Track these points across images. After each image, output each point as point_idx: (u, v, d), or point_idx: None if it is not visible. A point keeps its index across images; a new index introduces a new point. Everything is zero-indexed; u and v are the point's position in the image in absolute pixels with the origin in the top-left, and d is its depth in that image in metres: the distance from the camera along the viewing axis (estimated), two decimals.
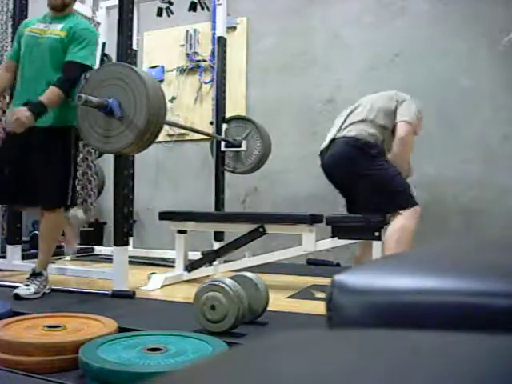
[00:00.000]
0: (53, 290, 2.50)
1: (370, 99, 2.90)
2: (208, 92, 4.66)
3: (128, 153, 2.51)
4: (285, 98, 4.32)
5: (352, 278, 0.63)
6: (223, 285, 1.72)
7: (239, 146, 3.75)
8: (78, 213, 3.16)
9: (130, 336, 1.54)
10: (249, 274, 1.99)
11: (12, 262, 3.04)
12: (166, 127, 3.15)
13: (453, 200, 3.76)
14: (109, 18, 3.96)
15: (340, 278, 0.62)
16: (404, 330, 0.47)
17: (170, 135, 4.70)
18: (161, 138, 2.94)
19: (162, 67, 4.81)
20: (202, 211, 3.25)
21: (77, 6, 3.75)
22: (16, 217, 3.10)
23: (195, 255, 3.05)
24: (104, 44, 3.89)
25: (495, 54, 3.62)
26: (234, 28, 4.49)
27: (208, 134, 3.85)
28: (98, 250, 4.10)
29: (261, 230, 2.71)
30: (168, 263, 3.41)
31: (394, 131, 2.76)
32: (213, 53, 4.43)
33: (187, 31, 4.67)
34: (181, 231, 2.92)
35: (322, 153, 2.92)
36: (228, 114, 3.88)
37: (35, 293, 2.36)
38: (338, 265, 3.70)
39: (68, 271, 2.97)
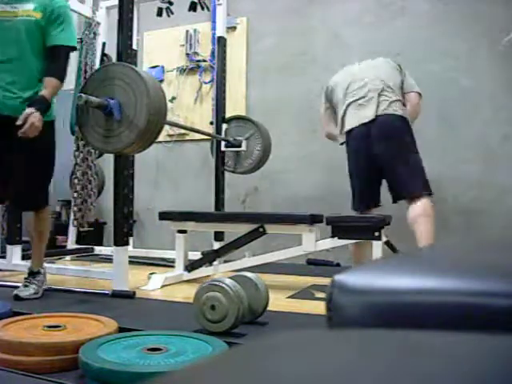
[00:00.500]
0: (53, 290, 2.50)
1: (384, 74, 2.96)
2: (208, 92, 4.66)
3: (128, 153, 2.51)
4: (285, 98, 4.32)
5: (352, 278, 0.63)
6: (223, 285, 1.72)
7: (239, 146, 3.75)
8: None
9: (130, 336, 1.54)
10: (249, 274, 1.99)
11: (12, 262, 3.04)
12: (166, 127, 3.14)
13: (453, 200, 3.75)
14: (109, 18, 3.96)
15: (340, 277, 0.62)
16: (404, 330, 0.47)
17: (170, 135, 4.70)
18: (161, 138, 2.94)
19: (162, 67, 4.81)
20: (202, 211, 3.25)
21: (77, 6, 3.77)
22: (16, 217, 3.10)
23: (195, 255, 3.05)
24: (104, 44, 3.89)
25: (495, 54, 3.62)
26: (234, 28, 4.49)
27: (208, 134, 3.85)
28: (98, 249, 4.10)
29: (261, 229, 2.71)
30: (168, 263, 3.41)
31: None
32: (213, 53, 4.43)
33: (187, 31, 4.67)
34: (181, 231, 2.92)
35: (350, 132, 2.89)
36: (228, 114, 3.88)
37: (35, 293, 2.36)
38: (338, 265, 3.70)
39: (68, 271, 2.97)
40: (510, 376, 0.29)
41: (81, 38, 3.99)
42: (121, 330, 1.64)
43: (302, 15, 4.33)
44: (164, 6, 3.81)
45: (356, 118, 2.87)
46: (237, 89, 4.42)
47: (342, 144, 3.03)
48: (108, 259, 3.42)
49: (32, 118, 2.14)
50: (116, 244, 2.55)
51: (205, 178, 4.28)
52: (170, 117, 3.73)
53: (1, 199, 2.58)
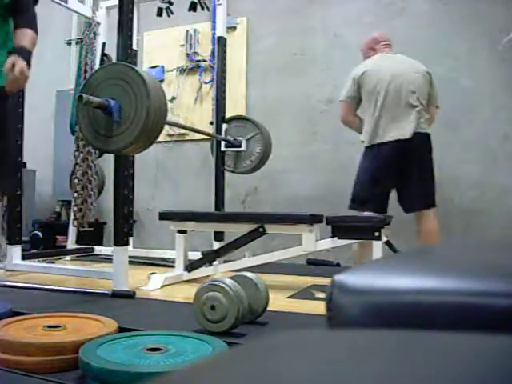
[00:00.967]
0: (53, 290, 2.50)
1: (418, 86, 3.06)
2: (208, 92, 4.66)
3: (128, 153, 2.51)
4: (285, 98, 4.32)
5: (352, 278, 0.63)
6: (223, 285, 1.72)
7: (239, 146, 3.75)
8: None
9: (130, 336, 1.54)
10: (249, 274, 1.99)
11: (12, 262, 3.04)
12: (166, 127, 3.14)
13: (453, 200, 3.76)
14: (109, 18, 3.96)
15: (340, 277, 0.62)
16: (404, 329, 0.47)
17: (170, 135, 4.70)
18: (161, 138, 2.94)
19: (162, 67, 4.81)
20: (202, 211, 3.25)
21: (77, 6, 3.77)
22: (16, 217, 3.10)
23: (195, 255, 3.05)
24: (104, 44, 3.89)
25: (495, 54, 3.62)
26: (234, 28, 4.50)
27: (208, 134, 3.85)
28: (98, 249, 4.10)
29: (261, 230, 2.71)
30: (168, 263, 3.41)
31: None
32: (213, 53, 4.43)
33: (187, 31, 4.67)
34: (181, 231, 2.92)
35: (386, 143, 2.99)
36: (228, 114, 3.88)
37: None
38: (338, 265, 3.70)
39: (68, 271, 2.97)
40: (510, 376, 0.29)
41: (81, 38, 3.99)
42: (121, 330, 1.64)
43: (302, 15, 4.33)
44: (164, 5, 3.81)
45: (394, 131, 2.96)
46: (237, 89, 4.42)
47: (362, 142, 3.11)
48: (108, 259, 3.42)
49: (20, 63, 1.88)
50: (116, 244, 2.55)
51: (205, 178, 4.28)
52: (170, 117, 3.73)
53: None
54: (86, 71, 3.75)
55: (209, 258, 2.91)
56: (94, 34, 3.85)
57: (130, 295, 2.41)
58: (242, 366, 0.33)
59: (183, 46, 4.71)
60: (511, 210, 3.57)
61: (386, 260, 0.95)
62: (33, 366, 1.38)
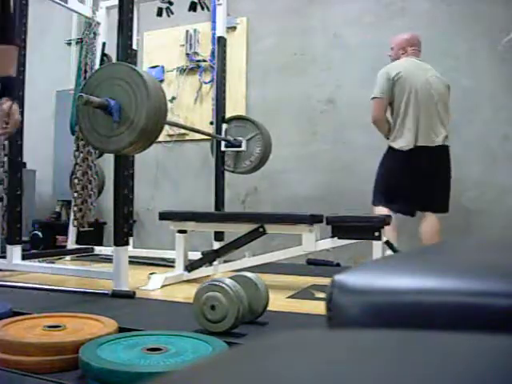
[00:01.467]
0: (52, 290, 2.50)
1: (441, 92, 3.19)
2: (208, 92, 4.66)
3: (128, 153, 2.51)
4: (285, 98, 4.32)
5: (352, 278, 0.63)
6: (223, 285, 1.72)
7: (239, 146, 3.75)
8: None
9: (130, 336, 1.54)
10: (249, 274, 1.99)
11: (12, 262, 3.04)
12: (166, 127, 3.14)
13: (453, 200, 3.75)
14: (109, 18, 3.96)
15: (340, 277, 0.62)
16: (404, 329, 0.47)
17: (170, 135, 4.70)
18: (161, 138, 2.94)
19: (162, 67, 4.81)
20: (202, 211, 3.25)
21: (77, 6, 3.77)
22: (16, 217, 3.10)
23: (195, 255, 3.05)
24: (104, 44, 3.89)
25: (495, 54, 3.62)
26: (234, 28, 4.50)
27: (208, 134, 3.85)
28: (98, 249, 4.10)
29: (261, 230, 2.71)
30: (168, 263, 3.41)
31: None
32: (213, 53, 4.43)
33: (187, 31, 4.67)
34: (181, 231, 2.92)
35: (412, 149, 3.11)
36: (228, 114, 3.87)
37: None
38: (338, 265, 3.70)
39: (68, 271, 2.97)
40: (510, 376, 0.29)
41: (81, 38, 3.99)
42: (121, 330, 1.64)
43: (302, 15, 4.33)
44: (164, 5, 3.81)
45: (428, 138, 3.10)
46: (237, 89, 4.42)
47: (387, 139, 3.23)
48: (108, 259, 3.42)
49: (15, 112, 1.78)
50: (116, 244, 2.55)
51: (205, 178, 4.28)
52: (170, 117, 3.73)
53: None
54: (85, 71, 3.75)
55: (209, 257, 2.91)
56: (94, 33, 3.85)
57: (129, 295, 2.41)
58: (242, 366, 0.33)
59: (183, 46, 4.71)
60: (511, 210, 3.57)
61: (386, 260, 0.95)
62: (33, 366, 1.38)
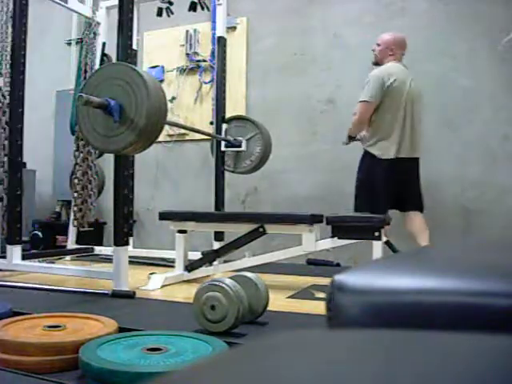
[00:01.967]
0: (53, 290, 2.50)
1: (420, 102, 3.28)
2: (208, 92, 4.66)
3: (129, 153, 2.51)
4: (285, 98, 4.32)
5: (352, 278, 0.63)
6: (223, 285, 1.72)
7: (239, 146, 3.75)
8: None
9: (130, 336, 1.54)
10: (249, 274, 1.99)
11: (12, 262, 3.04)
12: (166, 127, 3.14)
13: (453, 200, 3.76)
14: (109, 18, 3.96)
15: (340, 277, 0.62)
16: (404, 329, 0.47)
17: (170, 135, 4.70)
18: (161, 138, 2.94)
19: (162, 67, 4.81)
20: (202, 211, 3.25)
21: (77, 6, 3.77)
22: (16, 217, 3.10)
23: (195, 255, 3.05)
24: (104, 44, 3.89)
25: (495, 54, 3.62)
26: (234, 28, 4.50)
27: (208, 134, 3.85)
28: (98, 249, 4.10)
29: (261, 230, 2.71)
30: (168, 263, 3.41)
31: None
32: (213, 53, 4.43)
33: (187, 31, 4.67)
34: (181, 231, 2.92)
35: (397, 158, 3.20)
36: (228, 114, 3.87)
37: None
38: (338, 265, 3.70)
39: (68, 271, 2.97)
40: (510, 376, 0.29)
41: (81, 38, 3.99)
42: (121, 330, 1.64)
43: (302, 15, 4.33)
44: (164, 5, 3.81)
45: (410, 150, 3.20)
46: (237, 89, 4.42)
47: (357, 141, 3.37)
48: (108, 259, 3.42)
49: None
50: (116, 244, 2.55)
51: (205, 177, 4.28)
52: (170, 117, 3.73)
53: None
54: (85, 71, 3.75)
55: (209, 257, 2.91)
56: (94, 33, 3.85)
57: (130, 295, 2.41)
58: (242, 366, 0.33)
59: (183, 46, 4.71)
60: (511, 210, 3.57)
61: (386, 260, 0.95)
62: (33, 366, 1.38)
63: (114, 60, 3.40)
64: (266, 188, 4.37)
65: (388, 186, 3.17)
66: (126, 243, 2.60)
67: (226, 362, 0.35)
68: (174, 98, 4.68)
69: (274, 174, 4.24)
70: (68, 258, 3.82)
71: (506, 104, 3.67)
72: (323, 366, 0.31)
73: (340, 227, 2.59)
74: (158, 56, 4.83)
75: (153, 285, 2.67)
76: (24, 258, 3.11)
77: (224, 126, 3.79)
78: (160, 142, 4.31)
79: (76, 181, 3.71)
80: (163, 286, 2.69)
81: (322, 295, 2.33)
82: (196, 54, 4.67)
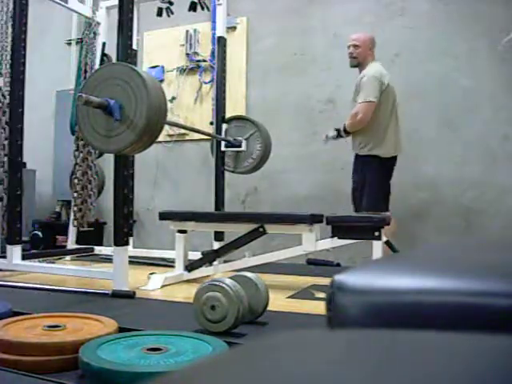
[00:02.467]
0: (53, 290, 2.50)
1: (395, 99, 3.33)
2: (208, 92, 4.66)
3: (128, 153, 2.51)
4: (285, 98, 4.32)
5: (352, 278, 0.63)
6: (223, 285, 1.72)
7: (239, 146, 3.75)
8: None
9: (130, 336, 1.54)
10: (249, 274, 1.99)
11: (12, 262, 3.04)
12: (166, 127, 3.14)
13: (453, 200, 3.75)
14: (109, 18, 3.95)
15: (340, 277, 0.62)
16: (404, 330, 0.47)
17: (170, 135, 4.70)
18: (161, 138, 2.95)
19: (162, 67, 4.81)
20: (202, 211, 3.25)
21: (77, 6, 3.77)
22: (16, 217, 3.10)
23: (195, 255, 3.05)
24: (104, 44, 3.89)
25: (495, 54, 3.62)
26: (234, 28, 4.50)
27: (208, 134, 3.85)
28: (97, 249, 4.10)
29: (261, 229, 2.71)
30: (168, 263, 3.41)
31: None
32: (213, 53, 4.43)
33: (187, 31, 4.67)
34: (181, 231, 2.92)
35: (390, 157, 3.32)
36: (228, 114, 3.87)
37: None
38: (338, 265, 3.70)
39: (68, 271, 2.97)
40: (510, 376, 0.29)
41: (81, 38, 3.99)
42: (121, 329, 1.64)
43: (302, 15, 4.33)
44: (164, 5, 3.81)
45: (397, 147, 3.30)
46: (237, 89, 4.42)
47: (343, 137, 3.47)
48: (108, 259, 3.42)
49: None
50: (116, 244, 2.55)
51: (205, 177, 4.28)
52: (170, 117, 3.73)
53: None
54: (86, 71, 3.75)
55: (209, 257, 2.91)
56: (94, 33, 3.84)
57: (129, 295, 2.41)
58: (242, 366, 0.33)
59: (183, 45, 4.71)
60: (511, 210, 3.57)
61: (386, 260, 0.95)
62: (33, 366, 1.38)
63: (114, 60, 3.39)
64: (265, 188, 4.37)
65: (387, 185, 3.28)
66: (126, 243, 2.60)
67: (225, 362, 0.35)
68: (174, 98, 4.68)
69: (273, 174, 4.24)
70: (68, 258, 3.81)
71: (506, 104, 3.67)
72: (323, 366, 0.31)
73: (340, 227, 2.59)
74: (157, 56, 4.83)
75: (153, 285, 2.67)
76: (24, 257, 3.11)
77: (224, 126, 3.79)
78: (160, 142, 4.31)
79: (76, 181, 3.71)
80: (163, 286, 2.69)
81: (322, 295, 2.33)
82: (196, 53, 4.68)
